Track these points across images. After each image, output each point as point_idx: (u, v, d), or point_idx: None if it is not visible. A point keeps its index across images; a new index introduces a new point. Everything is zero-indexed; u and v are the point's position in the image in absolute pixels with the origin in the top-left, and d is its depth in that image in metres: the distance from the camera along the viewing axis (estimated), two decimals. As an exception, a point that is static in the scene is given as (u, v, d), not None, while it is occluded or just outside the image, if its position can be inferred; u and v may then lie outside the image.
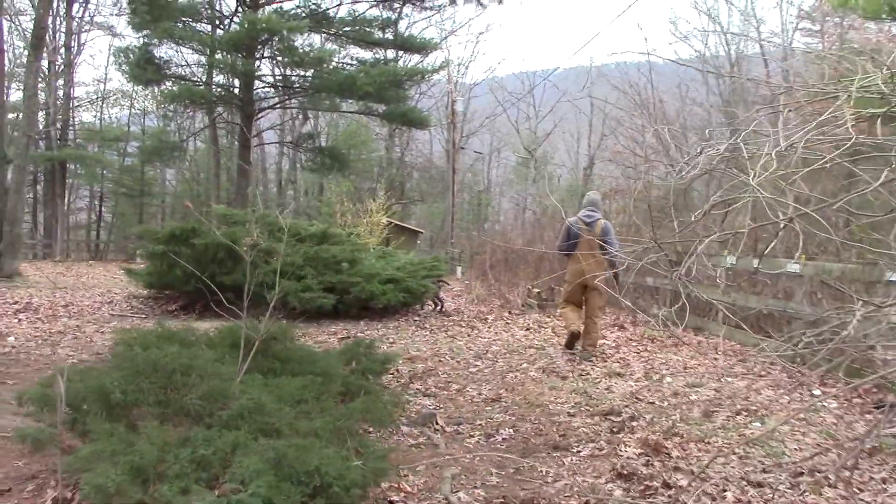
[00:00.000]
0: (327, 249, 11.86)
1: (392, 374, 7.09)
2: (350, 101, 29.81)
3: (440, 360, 8.12)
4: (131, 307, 12.40)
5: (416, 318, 12.00)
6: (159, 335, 4.91)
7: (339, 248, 12.05)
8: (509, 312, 12.44)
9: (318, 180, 39.44)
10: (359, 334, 9.95)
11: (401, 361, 7.73)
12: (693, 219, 3.04)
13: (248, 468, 2.86)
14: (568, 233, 8.46)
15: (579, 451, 4.79)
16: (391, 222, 29.15)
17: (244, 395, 3.66)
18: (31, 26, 21.80)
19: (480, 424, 5.49)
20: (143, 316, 11.39)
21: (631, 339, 9.56)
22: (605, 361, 8.00)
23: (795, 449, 4.75)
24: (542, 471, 4.42)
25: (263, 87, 30.37)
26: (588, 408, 5.91)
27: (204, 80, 29.08)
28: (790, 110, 3.17)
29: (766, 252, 3.35)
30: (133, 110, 39.93)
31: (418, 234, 33.97)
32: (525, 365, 7.83)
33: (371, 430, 5.02)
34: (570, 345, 8.49)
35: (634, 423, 5.36)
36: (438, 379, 7.11)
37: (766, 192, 2.41)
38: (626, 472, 4.34)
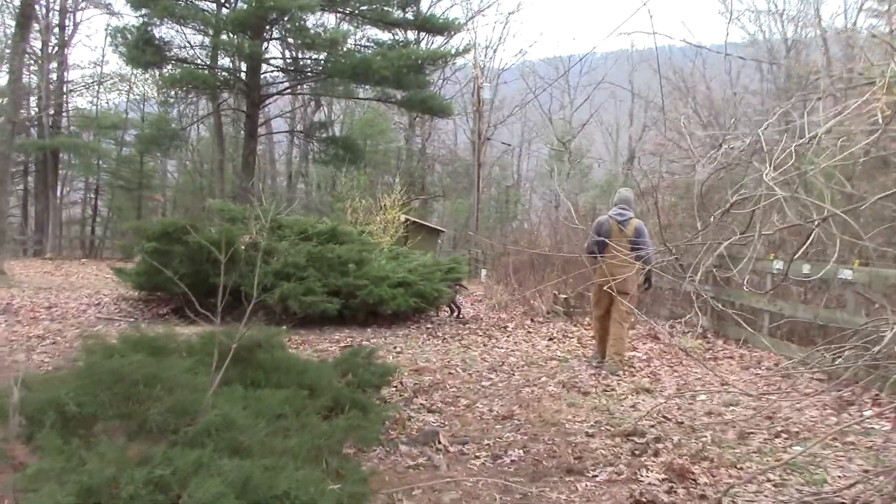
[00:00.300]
0: (332, 249, 11.83)
1: (395, 387, 7.06)
2: (366, 86, 29.88)
3: (450, 373, 8.09)
4: (120, 310, 12.47)
5: (429, 326, 11.96)
6: (132, 341, 4.88)
7: (345, 248, 12.01)
8: (532, 320, 12.38)
9: (330, 173, 39.51)
10: (364, 342, 9.90)
11: (406, 373, 7.73)
12: (712, 219, 2.94)
13: (208, 491, 2.82)
14: (598, 232, 8.44)
15: (595, 476, 4.72)
16: (409, 220, 29.12)
17: (214, 409, 3.62)
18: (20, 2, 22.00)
19: (488, 444, 5.42)
20: (132, 319, 11.44)
21: (665, 352, 9.48)
22: (634, 376, 7.94)
23: (839, 476, 4.65)
24: (552, 497, 4.35)
25: (272, 71, 30.56)
26: (609, 427, 5.84)
27: (207, 62, 29.17)
28: (820, 98, 3.08)
29: (795, 256, 3.24)
30: (132, 96, 40.13)
31: (439, 234, 33.86)
32: (544, 379, 7.79)
33: (364, 449, 4.99)
34: (598, 356, 8.62)
35: (659, 446, 5.28)
36: (446, 393, 7.07)
37: (784, 190, 2.32)
38: (645, 500, 4.26)
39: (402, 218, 28.03)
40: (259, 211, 13.00)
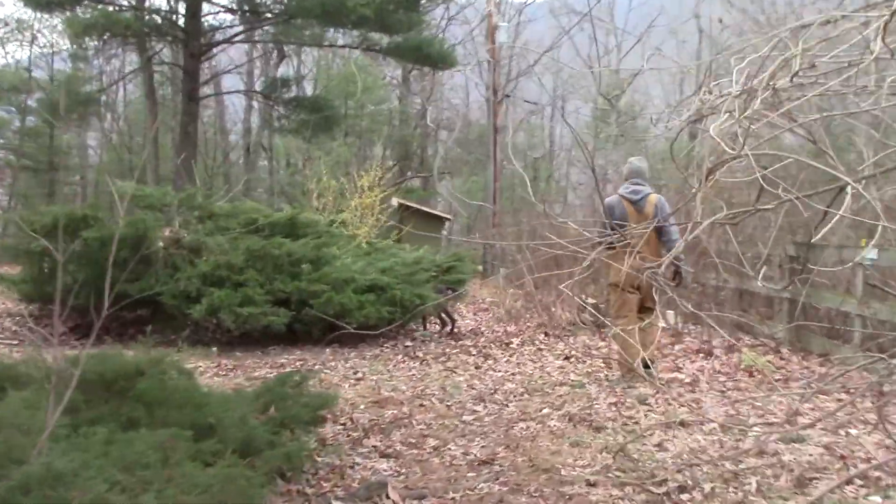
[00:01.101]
0: (279, 244, 11.76)
1: (342, 424, 7.04)
2: (342, 30, 29.74)
3: (422, 405, 8.07)
4: (1, 329, 12.44)
5: (409, 344, 11.97)
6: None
7: (297, 244, 11.95)
8: (546, 334, 12.39)
9: (302, 146, 39.41)
10: (317, 366, 9.87)
11: (362, 406, 7.76)
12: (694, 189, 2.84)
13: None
14: (611, 215, 8.66)
15: (589, 542, 4.63)
16: (403, 204, 29.00)
17: (42, 456, 3.54)
18: None
19: (453, 499, 5.33)
20: (15, 343, 11.40)
21: (719, 372, 9.45)
22: (670, 404, 7.82)
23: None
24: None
25: (217, 12, 30.37)
26: (619, 473, 5.74)
27: (132, 2, 29.09)
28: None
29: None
30: (36, 49, 40.15)
31: (443, 222, 33.77)
32: (546, 411, 7.74)
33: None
34: (627, 377, 8.88)
35: (684, 497, 5.20)
36: (410, 432, 7.03)
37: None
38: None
39: (395, 202, 27.92)
40: (186, 196, 12.98)
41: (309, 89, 38.90)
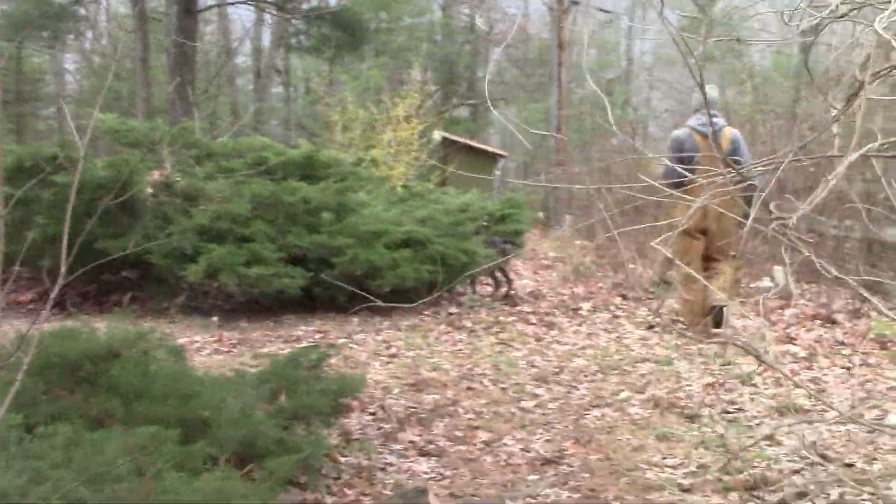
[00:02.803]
0: (293, 189, 11.59)
1: (371, 413, 6.92)
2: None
3: (470, 388, 7.95)
4: (-47, 298, 12.41)
5: (454, 311, 11.86)
6: None
7: (316, 189, 11.79)
8: (624, 297, 12.32)
9: (323, 68, 39.28)
10: (339, 339, 9.83)
11: (396, 390, 7.64)
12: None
13: None
14: (680, 149, 9.50)
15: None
16: (447, 138, 28.85)
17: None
18: None
19: (510, 510, 5.19)
20: (-30, 314, 11.38)
21: (842, 343, 9.34)
22: (781, 385, 7.63)
23: None
24: None
25: None
26: (722, 476, 5.57)
27: None
28: None
29: None
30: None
31: (497, 160, 33.64)
32: (625, 394, 7.65)
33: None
34: (697, 325, 9.72)
35: (804, 505, 5.01)
36: (457, 422, 6.90)
37: None
38: None
39: (438, 136, 27.76)
40: (180, 130, 12.87)
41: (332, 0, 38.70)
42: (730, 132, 9.64)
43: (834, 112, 3.14)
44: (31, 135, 38.69)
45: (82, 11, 34.25)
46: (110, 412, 4.70)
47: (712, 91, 9.76)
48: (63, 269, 3.98)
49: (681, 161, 8.89)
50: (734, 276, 10.01)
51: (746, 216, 8.91)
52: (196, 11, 29.28)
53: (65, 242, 4.45)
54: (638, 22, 50.08)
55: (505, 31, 45.89)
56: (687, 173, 8.46)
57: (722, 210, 8.57)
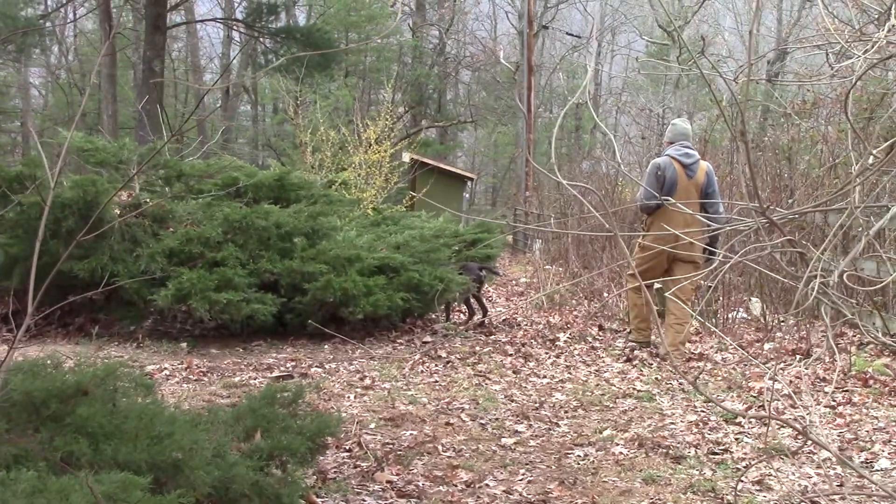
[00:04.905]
0: (266, 213, 11.42)
1: (347, 449, 6.74)
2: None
3: (448, 423, 7.77)
4: None
5: (429, 339, 11.74)
6: None
7: (289, 212, 11.63)
8: (601, 328, 12.23)
9: (294, 87, 39.21)
10: (313, 368, 9.70)
11: (373, 425, 7.48)
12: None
13: None
14: (660, 178, 10.05)
15: None
16: (417, 160, 28.77)
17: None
18: None
19: (495, 558, 5.00)
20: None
21: (824, 380, 9.25)
22: (766, 424, 7.51)
23: None
24: None
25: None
26: (713, 524, 5.40)
27: None
28: None
29: None
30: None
31: (465, 182, 33.64)
32: (608, 432, 7.48)
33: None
34: (639, 345, 10.75)
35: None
36: (436, 460, 6.71)
37: None
38: None
39: (407, 158, 27.71)
40: (149, 150, 12.70)
41: (302, 18, 38.63)
42: (705, 165, 10.34)
43: (872, 160, 3.00)
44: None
45: (49, 25, 34.05)
46: (77, 455, 4.49)
47: (685, 124, 10.64)
48: (31, 298, 3.77)
49: (661, 185, 9.97)
50: (687, 328, 10.51)
51: (709, 253, 9.58)
52: (165, 28, 29.17)
53: (34, 270, 4.23)
54: (607, 46, 50.40)
55: (475, 55, 46.04)
56: (665, 198, 9.07)
57: (684, 253, 9.68)
